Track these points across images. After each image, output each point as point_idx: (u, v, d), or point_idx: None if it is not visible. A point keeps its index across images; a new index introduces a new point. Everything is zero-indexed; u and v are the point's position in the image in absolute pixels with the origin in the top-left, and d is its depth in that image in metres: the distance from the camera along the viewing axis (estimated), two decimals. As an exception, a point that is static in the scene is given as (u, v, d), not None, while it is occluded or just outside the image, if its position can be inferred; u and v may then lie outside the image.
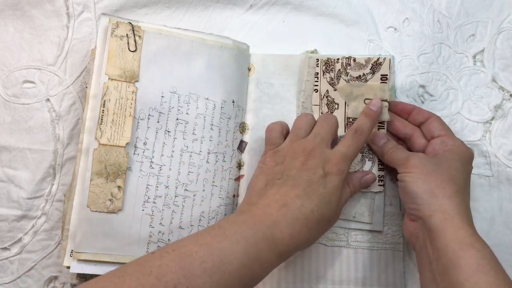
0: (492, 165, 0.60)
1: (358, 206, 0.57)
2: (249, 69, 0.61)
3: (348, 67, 0.59)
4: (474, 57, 0.62)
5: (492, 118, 0.61)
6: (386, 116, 0.57)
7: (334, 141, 0.55)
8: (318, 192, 0.49)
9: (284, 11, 0.65)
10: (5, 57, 0.61)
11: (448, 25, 0.63)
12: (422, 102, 0.61)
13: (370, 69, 0.58)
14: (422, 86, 0.62)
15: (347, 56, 0.59)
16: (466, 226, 0.47)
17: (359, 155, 0.58)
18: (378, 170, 0.58)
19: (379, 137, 0.57)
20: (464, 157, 0.53)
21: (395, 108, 0.59)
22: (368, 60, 0.59)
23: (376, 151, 0.57)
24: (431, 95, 0.61)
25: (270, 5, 0.65)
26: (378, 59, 0.58)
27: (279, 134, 0.55)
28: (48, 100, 0.61)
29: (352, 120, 0.58)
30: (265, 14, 0.65)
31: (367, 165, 0.58)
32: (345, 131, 0.58)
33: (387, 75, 0.58)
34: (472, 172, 0.59)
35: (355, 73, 0.59)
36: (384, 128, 0.57)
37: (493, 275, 0.44)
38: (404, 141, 0.58)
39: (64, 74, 0.62)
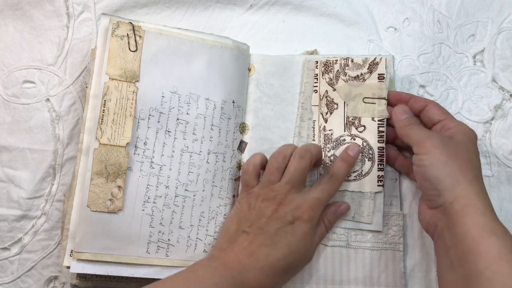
0: (492, 165, 0.60)
1: (357, 206, 0.57)
2: (249, 70, 0.61)
3: (346, 68, 0.59)
4: (474, 57, 0.62)
5: (492, 118, 0.61)
6: (385, 113, 0.57)
7: (318, 162, 0.56)
8: (286, 240, 0.50)
9: (284, 11, 0.65)
10: (5, 57, 0.61)
11: (448, 25, 0.63)
12: (422, 102, 0.61)
13: (368, 69, 0.59)
14: (422, 86, 0.62)
15: (345, 57, 0.60)
16: (488, 212, 0.46)
17: (359, 155, 0.58)
18: (378, 170, 0.57)
19: (402, 111, 0.55)
20: (472, 139, 0.51)
21: (391, 99, 0.58)
22: (365, 60, 0.59)
23: (395, 123, 0.55)
24: (431, 95, 0.61)
25: (270, 5, 0.65)
26: (374, 59, 0.59)
27: (253, 176, 0.54)
28: (48, 100, 0.61)
29: (352, 119, 0.58)
30: (265, 14, 0.65)
31: (367, 165, 0.57)
32: (344, 130, 0.58)
33: (384, 74, 0.58)
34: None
35: (353, 73, 0.59)
36: (384, 126, 0.57)
37: None
38: None
39: (64, 74, 0.62)
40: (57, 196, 0.59)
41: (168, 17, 0.64)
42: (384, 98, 0.57)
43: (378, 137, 0.58)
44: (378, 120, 0.58)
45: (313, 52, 0.63)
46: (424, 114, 0.55)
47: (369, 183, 0.57)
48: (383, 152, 0.57)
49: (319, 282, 0.57)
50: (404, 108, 0.55)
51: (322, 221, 0.55)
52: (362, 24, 0.64)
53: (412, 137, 0.52)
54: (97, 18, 0.63)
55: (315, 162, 0.55)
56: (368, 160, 0.58)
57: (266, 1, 0.65)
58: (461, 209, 0.46)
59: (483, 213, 0.45)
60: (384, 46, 0.63)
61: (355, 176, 0.57)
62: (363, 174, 0.57)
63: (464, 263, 0.44)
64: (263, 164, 0.55)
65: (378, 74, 0.58)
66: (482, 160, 0.60)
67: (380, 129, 0.58)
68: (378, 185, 0.57)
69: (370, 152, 0.58)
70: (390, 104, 0.58)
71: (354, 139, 0.58)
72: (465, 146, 0.50)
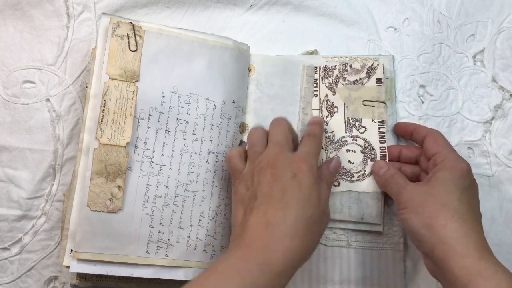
0: (492, 165, 0.60)
1: (366, 207, 0.57)
2: (249, 70, 0.61)
3: (345, 73, 0.60)
4: (474, 57, 0.62)
5: (492, 118, 0.61)
6: (384, 115, 0.58)
7: (294, 141, 0.56)
8: (295, 197, 0.47)
9: (284, 11, 0.65)
10: (5, 57, 0.61)
11: (448, 25, 0.63)
12: (422, 102, 0.61)
13: (366, 74, 0.60)
14: (422, 86, 0.62)
15: (344, 62, 0.60)
16: (472, 252, 0.44)
17: (361, 156, 0.58)
18: (382, 169, 0.57)
19: (378, 166, 0.56)
20: (455, 174, 0.49)
21: (397, 129, 0.59)
22: (363, 65, 0.60)
23: (378, 182, 0.57)
24: (431, 95, 0.61)
25: (270, 5, 0.65)
26: (372, 64, 0.60)
27: (239, 158, 0.53)
28: (48, 100, 0.61)
29: (353, 120, 0.59)
30: (265, 14, 0.65)
31: (370, 165, 0.57)
32: (345, 132, 0.58)
33: (381, 78, 0.59)
34: (473, 171, 0.59)
35: (352, 78, 0.60)
36: (384, 127, 0.58)
37: None
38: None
39: (64, 74, 0.62)
40: (57, 196, 0.59)
41: (168, 17, 0.64)
42: (383, 102, 0.58)
43: (379, 138, 0.58)
44: (379, 122, 0.58)
45: (313, 52, 0.63)
46: (423, 146, 0.54)
47: (373, 183, 0.57)
48: (385, 152, 0.57)
49: (319, 282, 0.57)
50: (379, 164, 0.56)
51: (321, 180, 0.52)
52: (362, 24, 0.64)
53: (390, 194, 0.53)
54: (97, 18, 0.63)
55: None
56: (371, 161, 0.58)
57: (266, 1, 0.65)
58: (443, 257, 0.45)
59: (465, 256, 0.44)
60: (384, 46, 0.63)
61: (358, 177, 0.57)
62: (366, 174, 0.57)
63: None
64: (245, 149, 0.55)
65: (376, 79, 0.59)
66: (482, 160, 0.60)
67: (381, 130, 0.58)
68: None
69: (372, 152, 0.58)
70: (398, 134, 0.59)
71: (356, 140, 0.58)
72: (440, 187, 0.49)
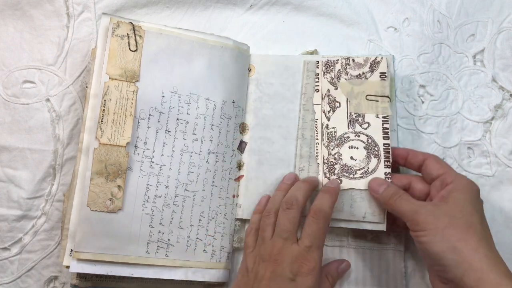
0: (492, 165, 0.60)
1: (368, 205, 0.56)
2: (249, 70, 0.61)
3: (348, 67, 0.59)
4: (474, 57, 0.62)
5: (492, 118, 0.61)
6: (388, 111, 0.57)
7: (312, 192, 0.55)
8: None
9: (284, 11, 0.65)
10: (5, 57, 0.61)
11: (448, 25, 0.63)
12: (422, 102, 0.61)
13: (369, 68, 0.59)
14: (422, 86, 0.62)
15: (346, 57, 0.60)
16: (505, 280, 0.42)
17: (364, 152, 0.57)
18: (385, 167, 0.56)
19: (376, 184, 0.54)
20: (472, 194, 0.48)
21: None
22: (366, 60, 0.59)
23: (377, 199, 0.54)
24: (431, 95, 0.61)
25: (270, 5, 0.65)
26: (375, 58, 0.59)
27: (253, 236, 0.55)
28: (48, 100, 0.61)
29: (356, 116, 0.58)
30: (265, 14, 0.65)
31: (373, 162, 0.56)
32: (348, 127, 0.58)
33: (385, 72, 0.58)
34: (473, 171, 0.59)
35: (355, 72, 0.59)
36: (388, 123, 0.57)
37: None
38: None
39: (64, 74, 0.62)
40: (57, 196, 0.59)
41: (168, 17, 0.64)
42: (387, 96, 0.57)
43: (383, 134, 0.57)
44: (382, 117, 0.57)
45: (313, 52, 0.63)
46: (424, 169, 0.53)
47: None
48: (389, 148, 0.56)
49: (319, 282, 0.57)
50: (377, 181, 0.54)
51: (326, 277, 0.53)
52: (362, 24, 0.64)
53: (400, 213, 0.49)
54: (97, 18, 0.63)
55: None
56: (374, 157, 0.57)
57: (266, 1, 0.65)
58: (475, 284, 0.42)
59: (499, 284, 0.42)
60: (384, 46, 0.63)
61: (361, 174, 0.56)
62: (369, 171, 0.56)
63: None
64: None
65: (380, 73, 0.58)
66: (482, 160, 0.60)
67: (385, 126, 0.57)
68: None
69: (376, 149, 0.57)
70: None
71: (359, 136, 0.58)
72: (462, 208, 0.46)
